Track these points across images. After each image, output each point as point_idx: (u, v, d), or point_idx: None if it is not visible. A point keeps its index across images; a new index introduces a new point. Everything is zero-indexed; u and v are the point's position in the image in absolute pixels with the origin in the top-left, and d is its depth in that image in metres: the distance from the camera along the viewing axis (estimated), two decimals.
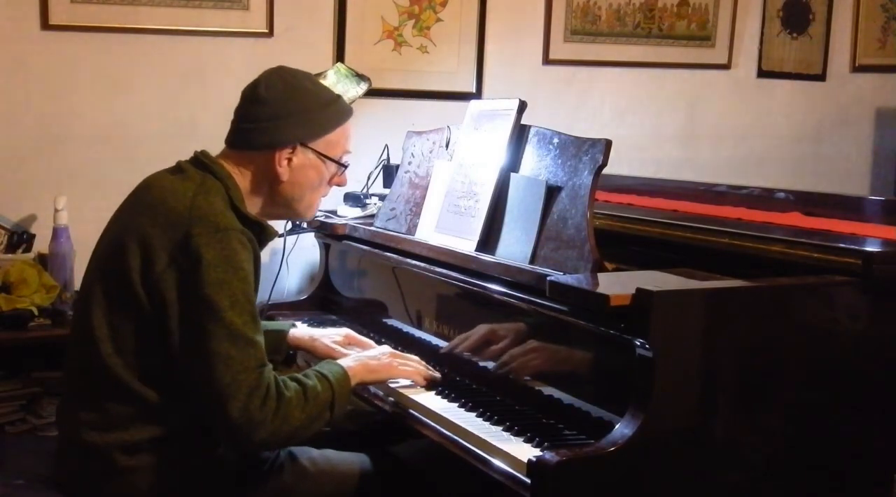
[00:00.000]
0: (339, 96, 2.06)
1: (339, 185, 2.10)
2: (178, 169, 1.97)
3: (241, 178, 1.96)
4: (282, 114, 1.95)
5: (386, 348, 2.21)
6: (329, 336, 2.32)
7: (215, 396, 1.77)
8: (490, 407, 1.99)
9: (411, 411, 2.07)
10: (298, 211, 2.05)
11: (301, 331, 2.35)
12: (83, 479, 1.89)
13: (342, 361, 2.06)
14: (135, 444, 1.85)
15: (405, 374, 2.13)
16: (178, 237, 1.81)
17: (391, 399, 2.14)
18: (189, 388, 1.82)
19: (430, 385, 2.14)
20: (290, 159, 1.97)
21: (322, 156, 2.00)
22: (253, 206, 1.99)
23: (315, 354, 2.29)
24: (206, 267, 1.78)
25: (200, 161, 1.96)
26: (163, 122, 3.27)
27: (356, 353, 2.18)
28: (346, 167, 2.07)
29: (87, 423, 1.86)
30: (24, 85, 3.12)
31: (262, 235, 1.96)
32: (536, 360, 2.00)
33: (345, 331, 2.36)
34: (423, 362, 2.18)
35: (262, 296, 3.23)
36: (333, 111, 2.02)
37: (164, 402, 1.85)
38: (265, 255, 3.39)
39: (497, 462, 1.77)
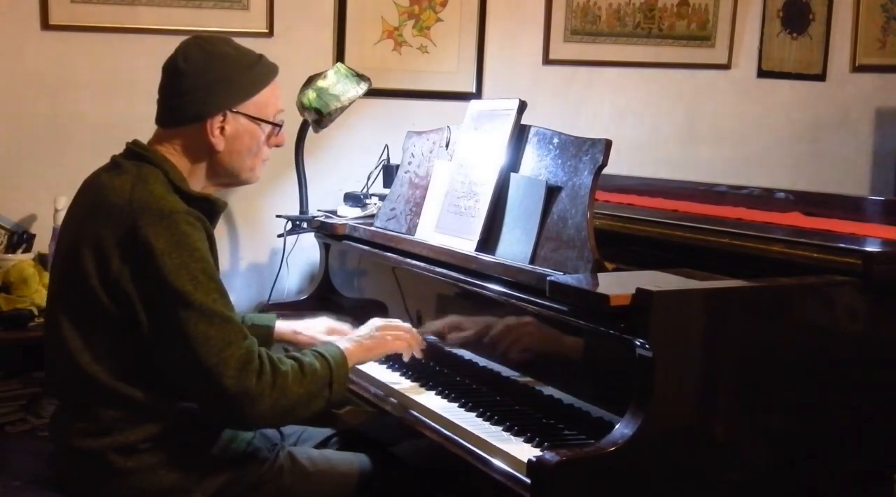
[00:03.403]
0: (261, 56, 2.01)
1: (277, 145, 2.05)
2: (114, 164, 1.95)
3: (178, 158, 1.94)
4: (204, 83, 1.92)
5: (375, 321, 2.18)
6: (311, 329, 2.29)
7: (206, 378, 1.76)
8: (490, 407, 1.99)
9: (411, 411, 2.07)
10: (242, 177, 2.02)
11: (283, 325, 2.31)
12: (82, 480, 1.89)
13: (338, 342, 2.05)
14: (130, 445, 1.84)
15: (398, 346, 2.13)
16: (125, 232, 1.79)
17: (391, 399, 2.14)
18: (178, 381, 1.81)
19: (426, 378, 2.16)
20: (222, 128, 1.93)
21: (254, 119, 1.96)
22: (197, 183, 1.96)
23: (298, 347, 2.28)
24: (159, 256, 1.76)
25: (134, 151, 1.94)
26: None
27: (348, 335, 2.16)
28: (280, 126, 2.02)
29: (80, 432, 1.86)
30: (24, 85, 3.12)
31: (212, 210, 1.95)
32: (536, 360, 2.00)
33: (324, 320, 2.32)
34: (409, 326, 2.19)
35: (262, 296, 3.26)
36: (257, 72, 1.97)
37: (153, 399, 1.84)
38: (265, 254, 3.43)
39: (497, 462, 1.77)
